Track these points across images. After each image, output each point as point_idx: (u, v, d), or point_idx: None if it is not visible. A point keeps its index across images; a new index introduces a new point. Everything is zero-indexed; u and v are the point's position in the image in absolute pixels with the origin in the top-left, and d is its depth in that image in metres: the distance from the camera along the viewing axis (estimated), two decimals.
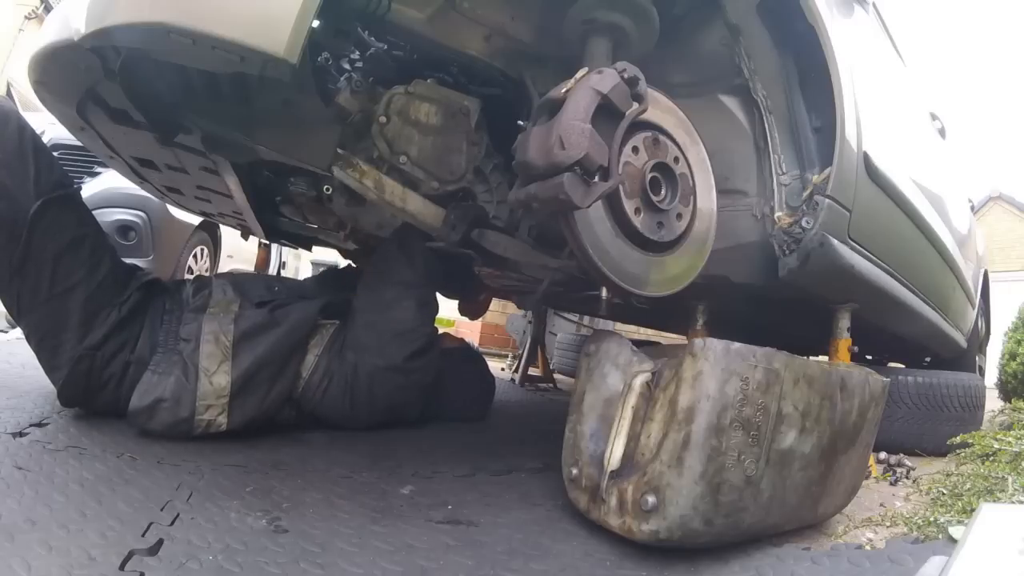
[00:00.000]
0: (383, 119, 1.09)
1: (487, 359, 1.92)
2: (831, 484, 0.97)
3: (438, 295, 1.44)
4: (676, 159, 0.99)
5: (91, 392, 1.13)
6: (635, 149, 0.93)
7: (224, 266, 3.80)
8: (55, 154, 1.13)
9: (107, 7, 0.72)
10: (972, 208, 3.44)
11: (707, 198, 1.06)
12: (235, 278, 1.31)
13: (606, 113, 0.83)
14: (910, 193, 1.48)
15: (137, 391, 1.08)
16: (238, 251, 3.80)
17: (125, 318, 1.13)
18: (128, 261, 1.25)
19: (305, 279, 1.66)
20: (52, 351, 1.10)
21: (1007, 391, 3.16)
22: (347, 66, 1.13)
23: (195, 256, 3.36)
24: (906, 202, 1.44)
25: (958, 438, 1.53)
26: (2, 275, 1.05)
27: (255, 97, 1.04)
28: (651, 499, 0.80)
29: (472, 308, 2.19)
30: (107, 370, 1.11)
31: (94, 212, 1.19)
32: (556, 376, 3.02)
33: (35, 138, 1.07)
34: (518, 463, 1.28)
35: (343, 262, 2.31)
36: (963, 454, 1.49)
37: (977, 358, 2.85)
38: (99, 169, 2.71)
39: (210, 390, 1.09)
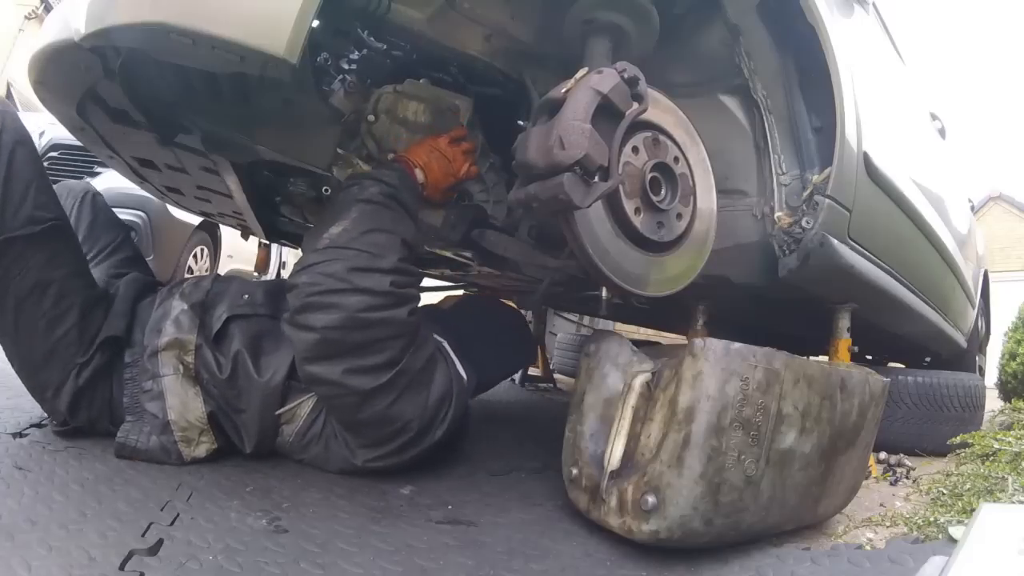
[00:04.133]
0: (371, 118, 1.09)
1: None
2: (831, 484, 0.97)
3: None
4: (676, 159, 0.99)
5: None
6: (635, 149, 0.93)
7: (224, 266, 3.79)
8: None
9: (107, 7, 0.72)
10: (972, 208, 3.44)
11: (707, 198, 1.06)
12: (191, 294, 1.09)
13: (606, 113, 0.83)
14: (910, 193, 1.48)
15: (117, 450, 0.99)
16: (238, 251, 3.80)
17: (83, 388, 1.02)
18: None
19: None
20: (29, 388, 1.06)
21: (1007, 391, 3.16)
22: (345, 66, 1.13)
23: (195, 256, 3.36)
24: (906, 202, 1.44)
25: (958, 438, 1.53)
26: None
27: (255, 97, 1.04)
28: (651, 499, 0.80)
29: None
30: (91, 433, 1.06)
31: None
32: (556, 376, 3.02)
33: (15, 157, 0.96)
34: (518, 463, 1.28)
35: None
36: (963, 454, 1.49)
37: (977, 358, 2.85)
38: (99, 169, 2.71)
39: (194, 459, 1.01)
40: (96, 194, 1.36)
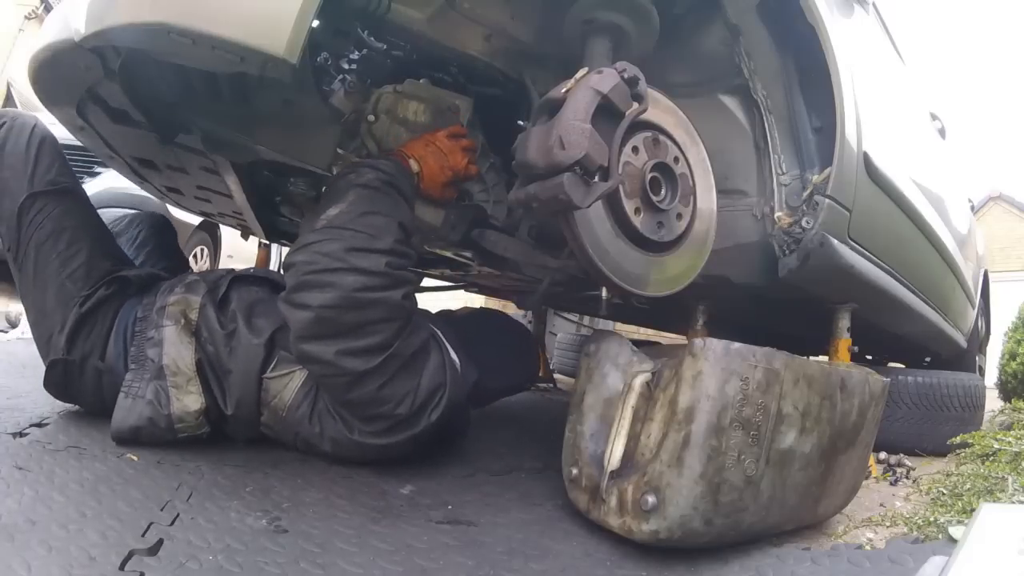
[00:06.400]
0: (371, 118, 1.10)
1: None
2: (831, 484, 0.97)
3: None
4: (676, 159, 0.99)
5: (72, 396, 1.15)
6: (635, 149, 0.93)
7: (224, 266, 3.79)
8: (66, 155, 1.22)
9: (107, 7, 0.72)
10: (972, 208, 3.44)
11: (707, 198, 1.06)
12: (206, 274, 1.21)
13: (606, 113, 0.83)
14: (910, 193, 1.48)
15: (115, 415, 1.03)
16: (238, 251, 3.80)
17: (85, 315, 1.10)
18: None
19: None
20: (39, 342, 1.15)
21: (1007, 391, 3.17)
22: (345, 66, 1.13)
23: (195, 256, 3.37)
24: (906, 202, 1.44)
25: (958, 438, 1.53)
26: (9, 263, 1.16)
27: (255, 97, 1.04)
28: (651, 499, 0.80)
29: None
30: (81, 377, 1.10)
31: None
32: (556, 376, 3.02)
33: (44, 144, 1.18)
34: (518, 463, 1.28)
35: None
36: (963, 454, 1.49)
37: (977, 358, 2.85)
38: (99, 169, 2.72)
39: (184, 413, 1.04)
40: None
